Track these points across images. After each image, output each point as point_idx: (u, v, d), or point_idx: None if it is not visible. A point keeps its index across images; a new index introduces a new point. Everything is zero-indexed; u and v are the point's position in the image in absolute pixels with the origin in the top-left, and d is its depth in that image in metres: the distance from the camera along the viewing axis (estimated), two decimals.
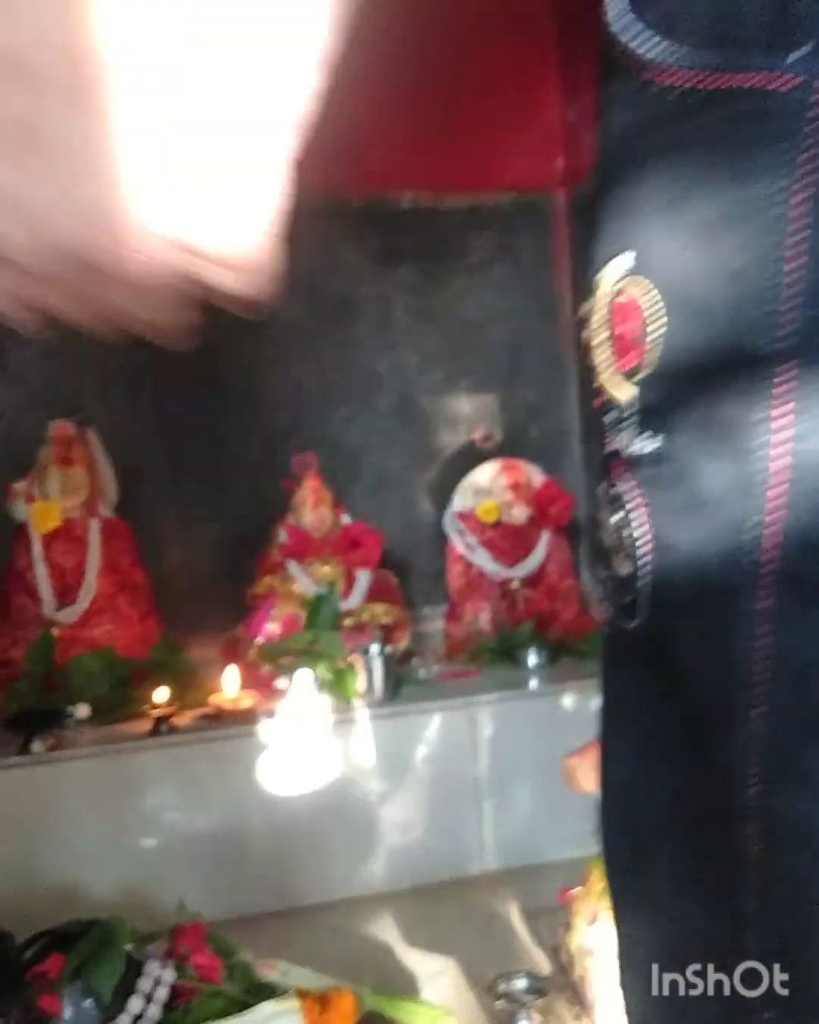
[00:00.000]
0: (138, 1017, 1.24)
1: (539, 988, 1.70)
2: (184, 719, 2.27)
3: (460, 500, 2.88)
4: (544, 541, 2.81)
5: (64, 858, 2.08)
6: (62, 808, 2.10)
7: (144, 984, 1.26)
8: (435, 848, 2.27)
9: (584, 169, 2.96)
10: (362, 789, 2.25)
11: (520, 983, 1.72)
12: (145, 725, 2.24)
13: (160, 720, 2.22)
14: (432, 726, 2.30)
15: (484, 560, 2.79)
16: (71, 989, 1.23)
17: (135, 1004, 1.24)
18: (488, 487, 2.86)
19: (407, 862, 2.25)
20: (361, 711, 2.30)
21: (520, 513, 2.81)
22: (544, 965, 1.80)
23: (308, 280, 2.94)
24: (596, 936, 1.65)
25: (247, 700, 2.32)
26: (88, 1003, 1.23)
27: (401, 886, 2.23)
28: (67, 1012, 1.23)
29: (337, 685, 2.38)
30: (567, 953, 1.73)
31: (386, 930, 2.07)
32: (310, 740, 2.23)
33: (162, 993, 1.27)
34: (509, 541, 2.81)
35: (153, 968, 1.29)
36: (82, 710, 2.31)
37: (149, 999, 1.26)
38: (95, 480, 2.63)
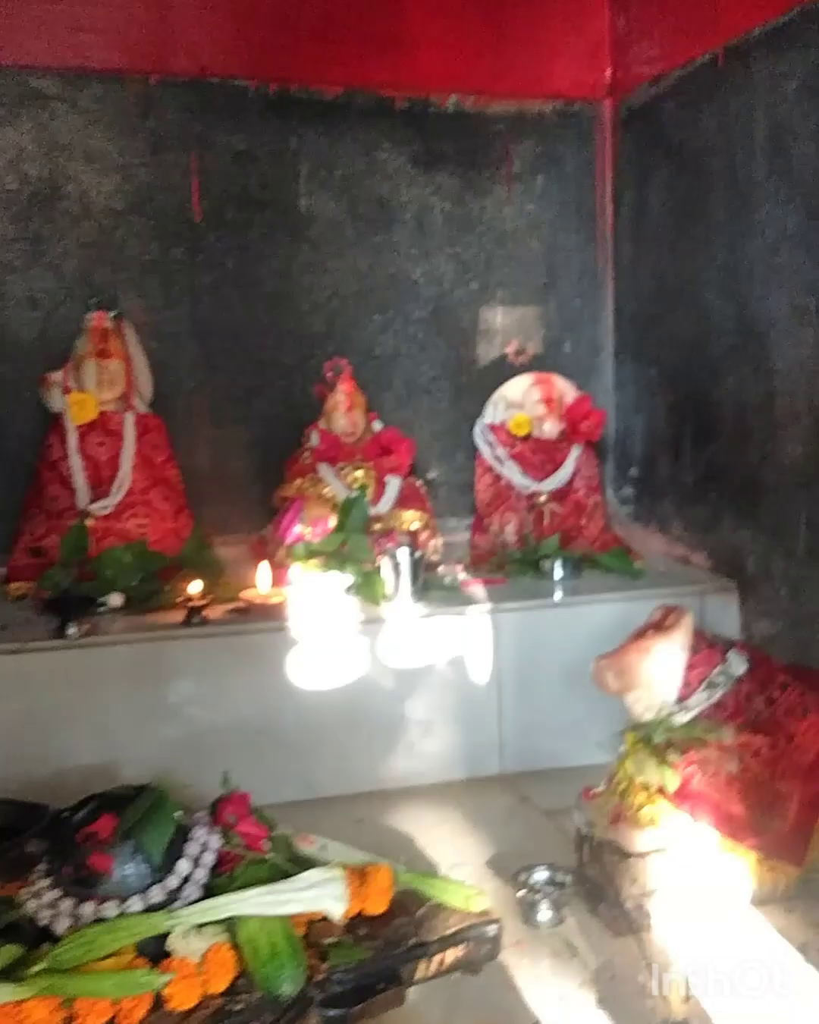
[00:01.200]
0: (186, 879, 1.29)
1: (559, 881, 1.77)
2: (215, 612, 2.31)
3: (491, 412, 2.88)
4: (573, 456, 2.82)
5: (98, 739, 2.13)
6: (96, 691, 2.15)
7: (191, 848, 1.32)
8: (456, 747, 2.33)
9: (631, 80, 2.90)
10: (386, 688, 2.30)
11: (541, 875, 1.79)
12: (177, 616, 2.28)
13: (193, 611, 2.26)
14: (457, 630, 2.34)
15: (513, 472, 2.80)
16: (122, 849, 1.28)
17: (183, 866, 1.30)
18: (520, 400, 2.85)
19: (428, 760, 2.31)
20: (388, 613, 2.34)
21: (551, 427, 2.81)
22: (562, 861, 1.86)
23: (347, 181, 2.91)
24: (617, 833, 1.71)
25: (277, 597, 2.36)
26: (138, 863, 1.29)
27: (422, 782, 2.30)
28: (117, 871, 1.28)
29: (365, 587, 2.41)
30: (588, 850, 1.79)
31: (408, 822, 2.14)
32: (337, 639, 2.27)
33: (209, 858, 1.32)
34: (539, 455, 2.81)
35: (200, 833, 1.34)
36: (115, 599, 2.35)
37: (196, 863, 1.31)
38: (131, 374, 2.63)
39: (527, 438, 2.83)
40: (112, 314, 2.63)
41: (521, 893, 1.74)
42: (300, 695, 2.24)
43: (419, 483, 2.80)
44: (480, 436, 2.87)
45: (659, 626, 1.71)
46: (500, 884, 1.84)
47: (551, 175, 3.05)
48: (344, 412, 2.71)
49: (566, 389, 2.88)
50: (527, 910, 1.73)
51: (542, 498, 2.78)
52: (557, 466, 2.80)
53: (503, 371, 2.99)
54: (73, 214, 2.70)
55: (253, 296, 2.86)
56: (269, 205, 2.84)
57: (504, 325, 3.05)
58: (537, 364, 3.02)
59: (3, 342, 2.67)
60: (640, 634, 1.73)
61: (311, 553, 2.52)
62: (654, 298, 2.89)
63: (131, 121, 2.72)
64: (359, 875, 1.39)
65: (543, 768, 2.34)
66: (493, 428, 2.86)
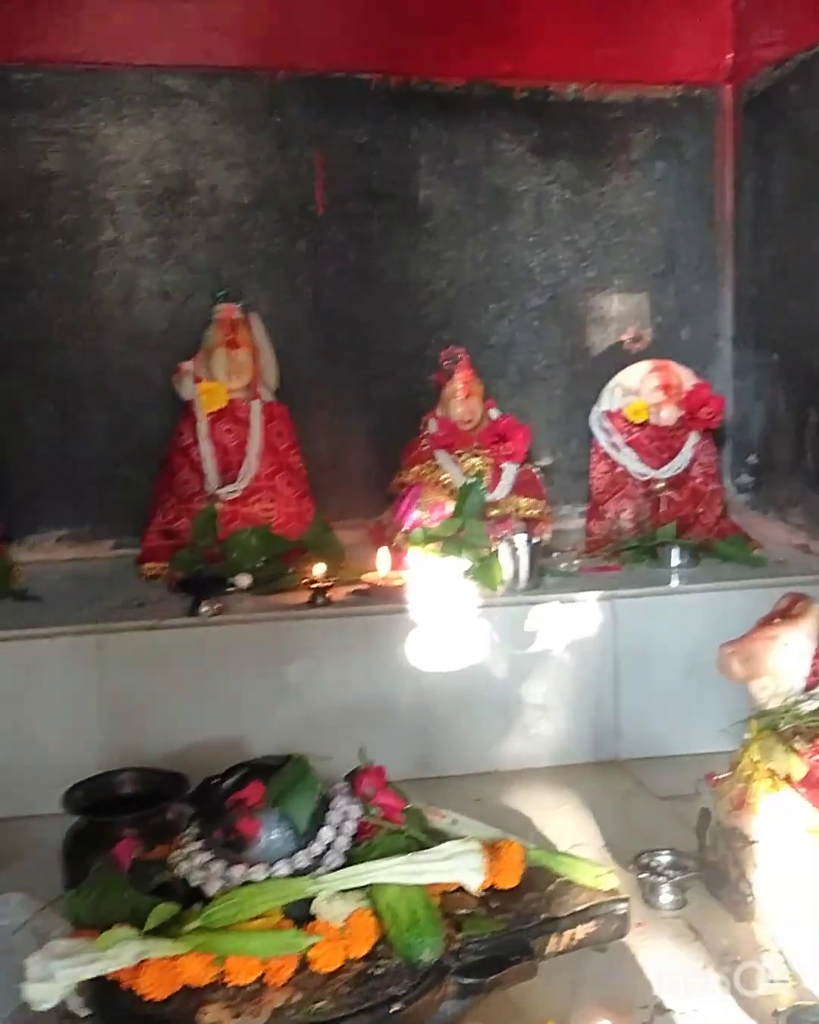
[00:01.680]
0: (328, 847, 1.36)
1: (682, 865, 1.79)
2: (338, 594, 2.38)
3: (608, 399, 2.89)
4: (691, 443, 2.81)
5: (227, 714, 2.22)
6: (226, 668, 2.24)
7: (333, 817, 1.38)
8: (571, 732, 2.36)
9: (753, 64, 2.86)
10: (503, 671, 2.34)
11: (664, 859, 1.81)
12: (301, 596, 2.36)
13: (317, 592, 2.33)
14: (574, 616, 2.36)
15: (629, 459, 2.81)
16: (269, 816, 1.35)
17: (326, 834, 1.36)
18: (637, 387, 2.86)
19: (544, 743, 2.35)
20: (505, 598, 2.38)
21: (669, 414, 2.81)
22: (679, 846, 1.88)
23: (466, 171, 2.95)
24: (740, 819, 1.72)
25: (397, 580, 2.42)
26: (284, 830, 1.36)
27: (537, 765, 2.33)
28: (264, 836, 1.35)
29: (481, 572, 2.46)
30: (711, 835, 1.81)
31: (524, 803, 2.18)
32: (455, 622, 2.32)
33: (350, 827, 1.38)
34: (655, 442, 2.82)
35: (341, 803, 1.40)
36: (243, 580, 2.44)
37: (338, 831, 1.37)
38: (258, 364, 2.72)
39: (644, 425, 2.83)
40: (240, 305, 2.72)
41: (643, 876, 1.77)
42: (418, 676, 2.30)
43: (535, 470, 2.83)
44: (596, 423, 2.89)
45: (786, 614, 1.72)
46: (618, 867, 1.87)
47: (670, 161, 3.03)
48: (461, 400, 2.75)
49: (684, 376, 2.87)
50: (649, 893, 1.76)
51: (659, 485, 2.78)
52: (674, 453, 2.80)
53: (619, 358, 3.00)
54: (202, 209, 2.80)
55: (373, 287, 2.92)
56: (389, 197, 2.89)
57: (621, 312, 3.06)
58: (654, 351, 3.02)
59: (136, 333, 2.80)
60: (767, 622, 1.73)
61: (428, 538, 2.57)
62: (775, 284, 2.86)
63: (258, 117, 2.80)
64: (491, 850, 1.44)
65: (659, 754, 2.35)
66: (609, 415, 2.87)
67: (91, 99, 2.73)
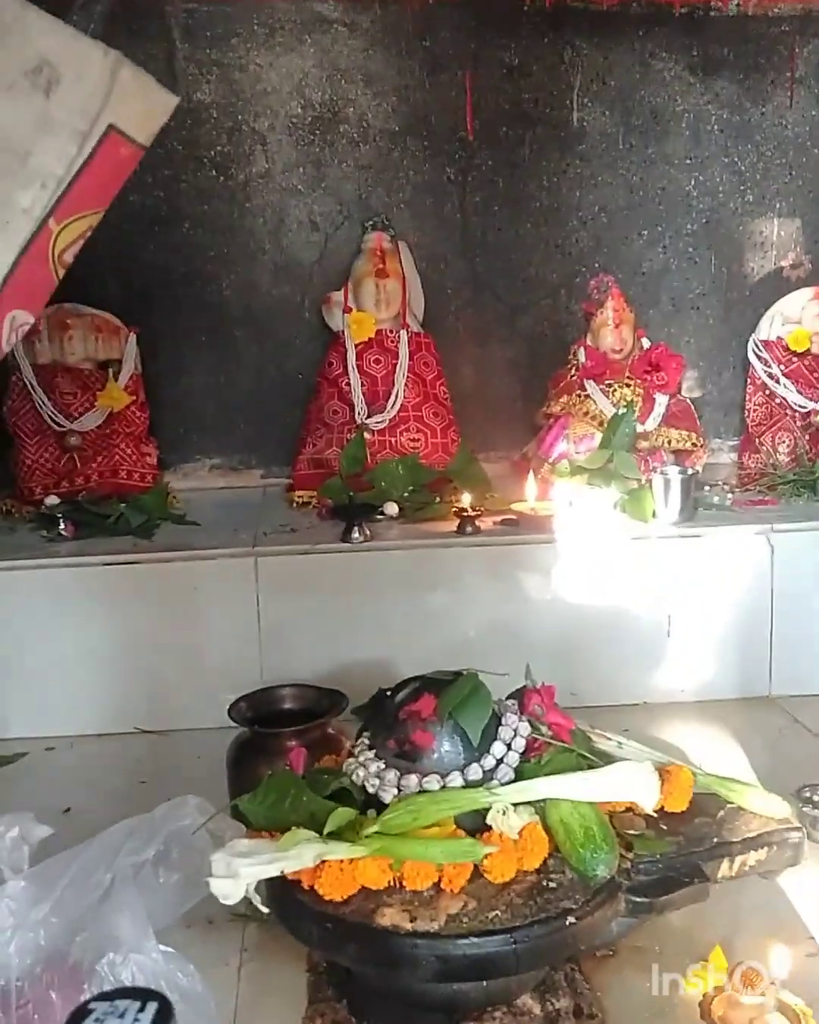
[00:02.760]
0: (500, 761, 1.37)
1: None
2: (486, 524, 2.38)
3: (766, 328, 2.79)
4: None
5: (377, 637, 2.26)
6: (376, 593, 2.28)
7: (505, 732, 1.39)
8: (724, 666, 2.32)
9: None
10: (653, 604, 2.31)
11: None
12: (449, 525, 2.37)
13: (465, 521, 2.34)
14: (727, 550, 2.32)
15: (788, 390, 2.72)
16: (442, 728, 1.37)
17: (497, 748, 1.37)
18: (798, 316, 2.75)
19: (696, 677, 2.32)
20: (655, 530, 2.34)
21: None
22: None
23: (621, 91, 2.85)
24: None
25: (546, 510, 2.40)
26: (456, 742, 1.37)
27: (688, 699, 2.31)
28: (437, 748, 1.37)
29: (632, 504, 2.42)
30: None
31: (676, 736, 2.15)
32: (605, 554, 2.30)
33: (520, 743, 1.39)
34: (816, 372, 2.71)
35: (511, 720, 1.41)
36: (391, 508, 2.46)
37: (509, 746, 1.38)
38: (406, 293, 2.71)
39: (804, 354, 2.72)
40: (389, 235, 2.71)
41: (805, 808, 1.75)
42: (567, 606, 2.29)
43: (688, 401, 2.76)
44: (753, 352, 2.79)
45: None
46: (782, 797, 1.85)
47: None
48: (612, 329, 2.68)
49: None
50: (811, 826, 1.73)
51: (818, 417, 2.68)
52: None
53: (778, 286, 2.89)
54: (352, 137, 2.78)
55: (522, 213, 2.86)
56: (541, 121, 2.82)
57: (780, 238, 2.93)
58: (815, 278, 2.89)
59: (287, 264, 2.81)
60: None
61: (576, 470, 2.55)
62: None
63: (408, 42, 2.75)
64: (661, 773, 1.43)
65: (814, 692, 2.31)
66: (767, 344, 2.77)
67: (243, 28, 2.72)
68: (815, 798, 1.77)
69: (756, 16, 2.84)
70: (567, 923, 1.25)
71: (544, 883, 1.29)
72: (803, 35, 2.86)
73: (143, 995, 0.78)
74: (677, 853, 1.36)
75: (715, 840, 1.39)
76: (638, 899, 1.33)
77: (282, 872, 1.30)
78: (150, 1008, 0.75)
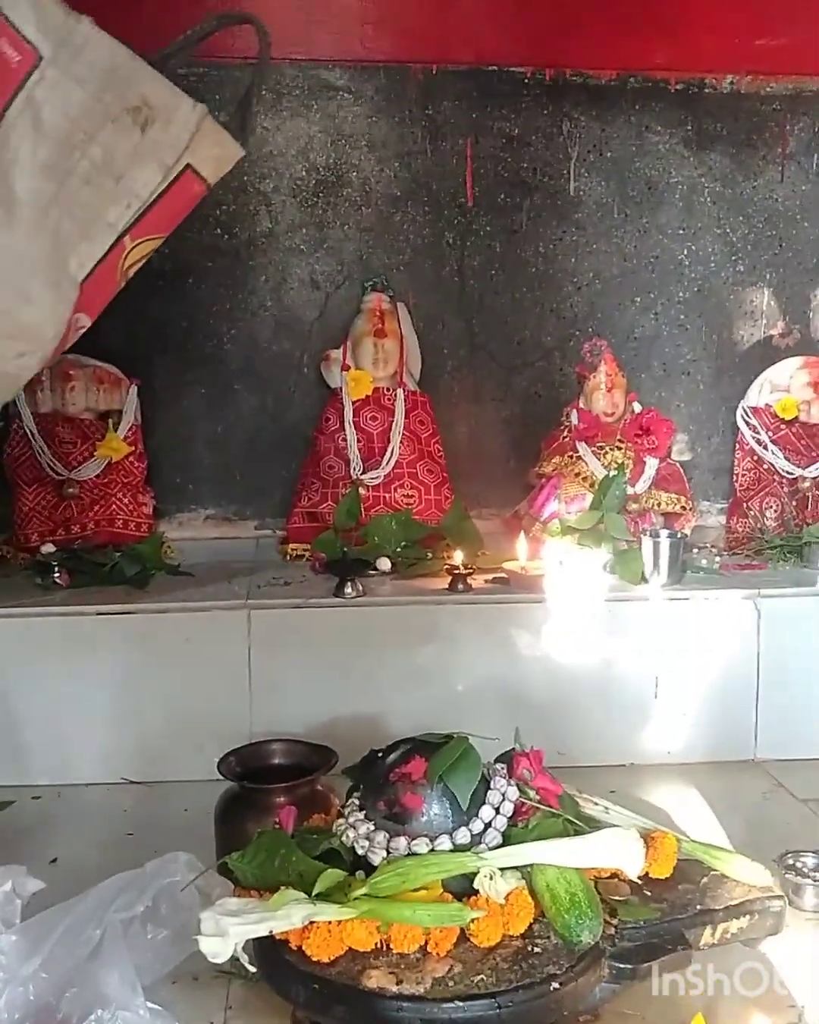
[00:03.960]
0: (488, 825, 1.39)
1: None
2: (477, 581, 2.41)
3: (755, 395, 2.85)
4: None
5: (369, 691, 2.27)
6: (367, 648, 2.30)
7: (493, 797, 1.41)
8: (710, 729, 2.34)
9: None
10: (641, 665, 2.33)
11: (809, 860, 1.80)
12: (441, 582, 2.40)
13: (457, 578, 2.37)
14: (715, 613, 2.35)
15: (776, 457, 2.77)
16: (433, 791, 1.39)
17: (486, 812, 1.39)
18: (786, 384, 2.81)
19: (681, 739, 2.34)
20: (644, 592, 2.38)
21: None
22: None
23: (617, 163, 2.93)
24: None
25: (537, 569, 2.44)
26: (446, 805, 1.39)
27: (674, 761, 2.33)
28: (427, 811, 1.39)
29: (621, 565, 2.46)
30: None
31: (661, 798, 2.17)
32: (593, 614, 2.33)
33: (508, 808, 1.41)
34: (803, 439, 2.76)
35: (500, 783, 1.43)
36: (384, 563, 2.49)
37: (497, 810, 1.40)
38: (404, 353, 2.76)
39: (793, 422, 2.78)
40: (388, 295, 2.77)
41: (788, 875, 1.76)
42: (556, 666, 2.31)
43: (677, 465, 2.81)
44: (742, 419, 2.85)
45: None
46: (763, 865, 1.86)
47: None
48: (604, 392, 2.74)
49: None
50: (793, 893, 1.74)
51: (806, 483, 2.73)
52: None
53: (768, 354, 2.95)
54: (355, 201, 2.85)
55: (518, 278, 2.93)
56: (539, 188, 2.90)
57: (770, 308, 3.00)
58: (804, 348, 2.96)
59: (287, 321, 2.87)
60: None
61: (567, 530, 2.59)
62: None
63: (411, 110, 2.84)
64: (644, 840, 1.45)
65: (800, 757, 2.33)
66: (756, 411, 2.83)
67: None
68: (798, 864, 1.78)
69: (749, 93, 2.94)
70: (551, 988, 1.27)
71: (529, 948, 1.31)
72: (794, 113, 2.95)
73: None
74: (661, 920, 1.38)
75: (698, 907, 1.41)
76: (622, 965, 1.34)
77: (270, 932, 1.31)
78: None
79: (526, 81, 2.86)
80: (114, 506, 2.62)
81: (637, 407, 2.80)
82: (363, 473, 2.69)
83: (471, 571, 2.40)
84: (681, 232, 2.96)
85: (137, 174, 1.39)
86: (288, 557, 2.65)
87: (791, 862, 1.79)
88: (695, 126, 2.94)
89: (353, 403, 2.72)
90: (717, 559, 2.57)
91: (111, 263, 1.43)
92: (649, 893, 1.43)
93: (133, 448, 2.68)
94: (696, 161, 2.95)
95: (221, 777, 1.79)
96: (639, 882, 1.42)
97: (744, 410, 2.84)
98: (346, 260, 2.87)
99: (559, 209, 2.92)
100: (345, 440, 2.70)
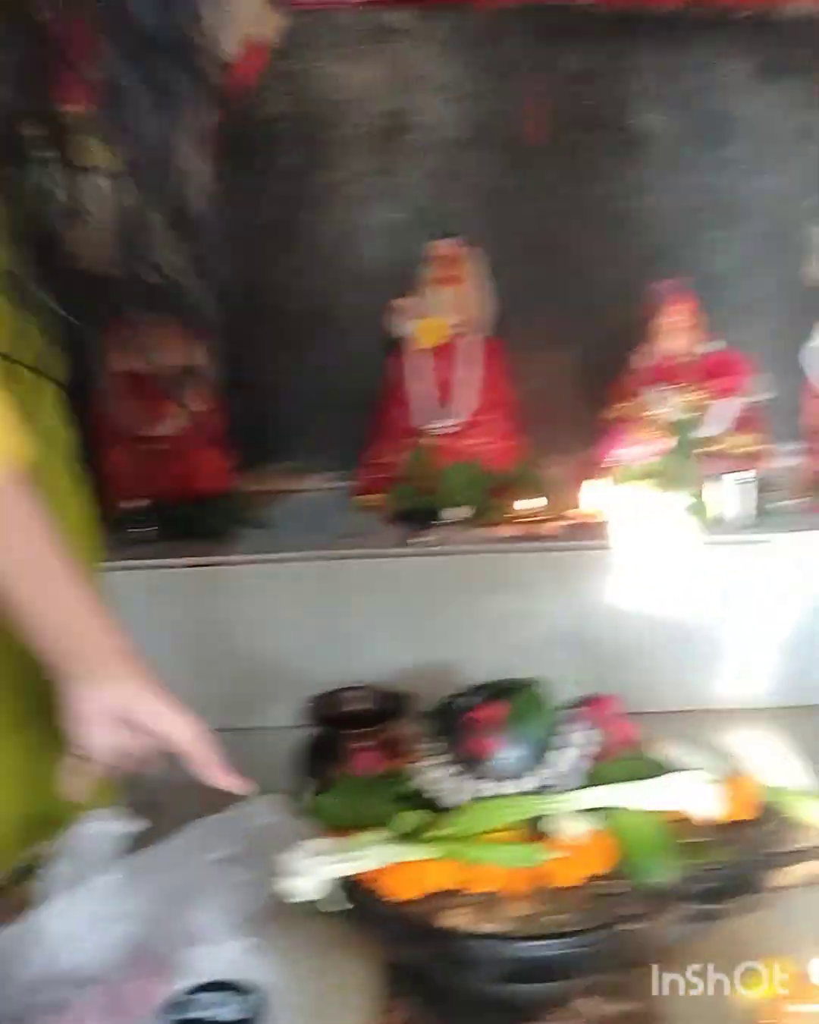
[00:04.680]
0: (566, 768, 1.41)
1: None
2: (551, 528, 2.42)
3: None
4: None
5: (441, 640, 2.31)
6: (440, 596, 2.33)
7: (569, 740, 1.43)
8: (786, 673, 2.34)
9: None
10: (716, 610, 2.33)
11: None
12: (514, 530, 2.42)
13: (531, 525, 2.38)
14: (792, 555, 2.33)
15: None
16: (508, 735, 1.42)
17: (561, 756, 1.42)
18: None
19: (756, 683, 2.34)
20: (721, 535, 2.36)
21: None
22: None
23: (686, 97, 2.86)
24: None
25: (608, 516, 2.43)
26: (522, 749, 1.42)
27: (748, 705, 2.33)
28: (504, 754, 1.42)
29: (696, 509, 2.44)
30: None
31: (741, 743, 2.17)
32: (669, 559, 2.33)
33: (583, 750, 1.43)
34: None
35: (576, 727, 1.45)
36: (457, 512, 2.51)
37: (576, 753, 1.43)
38: (475, 299, 2.75)
39: None
40: (457, 241, 2.75)
41: None
42: (630, 613, 2.32)
43: (753, 406, 2.76)
44: (809, 359, 2.78)
45: None
46: None
47: None
48: (677, 333, 2.70)
49: None
50: None
51: None
52: None
53: None
54: (421, 146, 2.83)
55: (588, 218, 2.89)
56: (606, 125, 2.84)
57: None
58: None
59: (358, 271, 2.87)
60: None
61: (641, 474, 2.57)
62: None
63: (476, 50, 2.79)
64: (722, 781, 1.46)
65: None
66: None
67: (312, 39, 2.78)
68: None
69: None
70: (628, 929, 1.30)
71: (606, 889, 1.34)
72: None
73: (233, 988, 0.84)
74: (735, 861, 1.40)
75: (773, 850, 1.42)
76: (697, 907, 1.36)
77: (354, 872, 1.36)
78: (242, 999, 0.82)
79: (592, 15, 2.78)
80: (195, 461, 2.67)
81: (711, 347, 2.75)
82: (435, 423, 2.70)
83: (545, 519, 2.41)
84: (754, 166, 2.87)
85: None
86: (364, 508, 2.68)
87: None
88: (765, 55, 2.84)
89: (424, 352, 2.72)
90: (796, 500, 2.53)
91: None
92: (728, 836, 1.44)
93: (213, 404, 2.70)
94: (767, 91, 2.85)
95: (303, 724, 1.85)
96: (717, 824, 1.44)
97: (811, 349, 2.77)
98: (414, 206, 2.86)
99: (628, 146, 2.86)
100: (417, 390, 2.71)
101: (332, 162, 2.83)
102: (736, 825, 1.46)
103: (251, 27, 1.39)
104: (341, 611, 2.29)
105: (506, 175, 2.85)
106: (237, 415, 2.83)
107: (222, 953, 1.24)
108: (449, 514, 2.51)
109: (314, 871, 1.37)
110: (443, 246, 2.74)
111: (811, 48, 2.83)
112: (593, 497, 2.48)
